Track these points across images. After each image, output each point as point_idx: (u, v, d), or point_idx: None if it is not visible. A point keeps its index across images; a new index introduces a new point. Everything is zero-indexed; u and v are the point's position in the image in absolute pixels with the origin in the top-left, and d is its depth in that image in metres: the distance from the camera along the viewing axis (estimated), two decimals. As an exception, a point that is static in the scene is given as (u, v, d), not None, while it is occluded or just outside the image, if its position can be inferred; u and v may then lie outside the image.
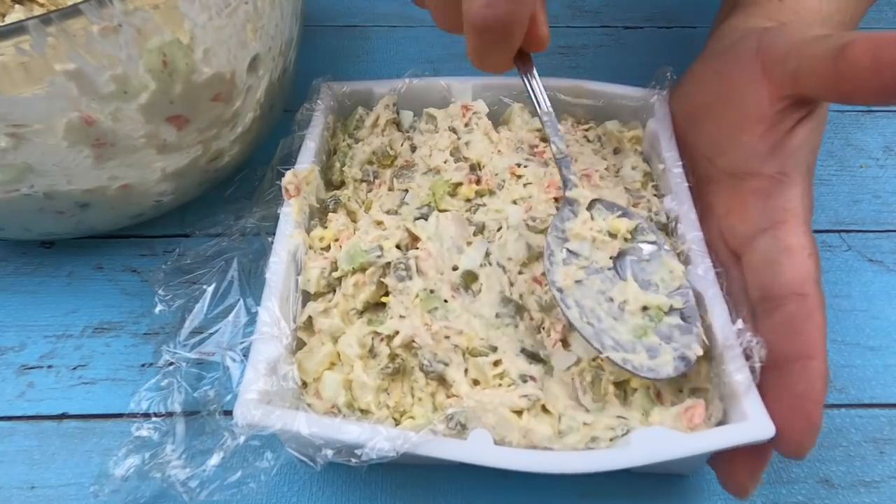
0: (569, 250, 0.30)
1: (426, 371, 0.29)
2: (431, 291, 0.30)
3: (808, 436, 0.25)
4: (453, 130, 0.38)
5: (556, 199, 0.34)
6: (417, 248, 0.32)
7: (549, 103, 0.32)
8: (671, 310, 0.28)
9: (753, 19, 0.35)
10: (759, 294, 0.29)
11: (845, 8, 0.35)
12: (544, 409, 0.28)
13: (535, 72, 0.32)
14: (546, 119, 0.31)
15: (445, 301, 0.30)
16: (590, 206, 0.31)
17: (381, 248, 0.32)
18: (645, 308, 0.28)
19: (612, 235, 0.30)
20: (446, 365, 0.29)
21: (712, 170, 0.33)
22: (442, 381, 0.29)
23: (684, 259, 0.32)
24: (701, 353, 0.27)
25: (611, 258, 0.30)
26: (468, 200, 0.35)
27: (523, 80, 0.31)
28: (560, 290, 0.29)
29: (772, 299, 0.28)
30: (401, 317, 0.30)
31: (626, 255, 0.30)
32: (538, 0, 0.29)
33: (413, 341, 0.29)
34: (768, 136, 0.30)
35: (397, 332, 0.29)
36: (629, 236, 0.30)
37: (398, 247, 0.32)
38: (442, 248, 0.32)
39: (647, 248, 0.30)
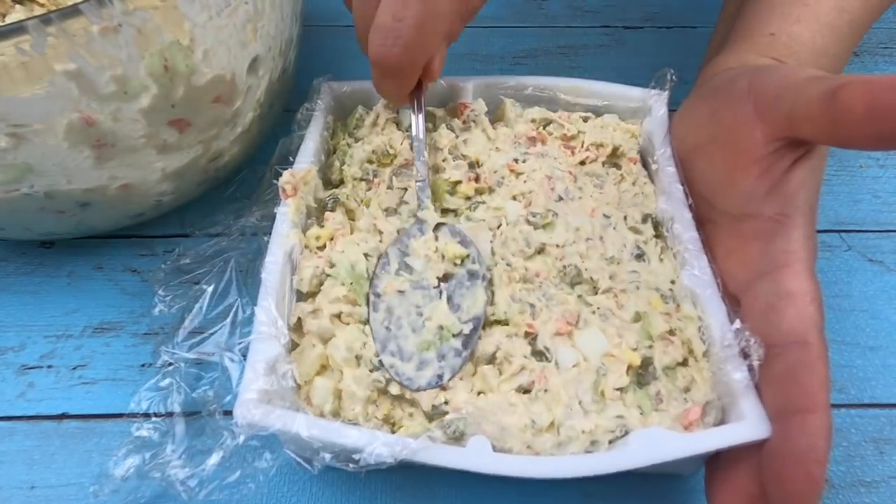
0: (406, 263, 0.32)
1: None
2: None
3: (810, 496, 0.24)
4: (451, 129, 0.38)
5: (582, 163, 0.37)
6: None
7: (423, 131, 0.35)
8: (459, 334, 0.30)
9: (745, 55, 0.34)
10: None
11: (840, 39, 0.34)
12: (545, 426, 0.28)
13: (422, 100, 0.35)
14: (416, 144, 0.35)
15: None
16: (437, 229, 0.33)
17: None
18: (441, 327, 0.30)
19: (444, 257, 0.32)
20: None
21: (712, 211, 0.32)
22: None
23: (680, 259, 0.32)
24: (446, 380, 0.29)
25: (437, 278, 0.32)
26: (468, 198, 0.35)
27: (411, 106, 0.35)
28: (377, 296, 0.31)
29: (771, 348, 0.27)
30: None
31: (452, 279, 0.32)
32: (440, 42, 0.32)
33: None
34: (765, 177, 0.29)
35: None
36: (458, 262, 0.32)
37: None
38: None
39: (468, 276, 0.32)
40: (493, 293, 0.32)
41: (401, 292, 0.31)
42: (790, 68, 0.31)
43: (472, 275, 0.32)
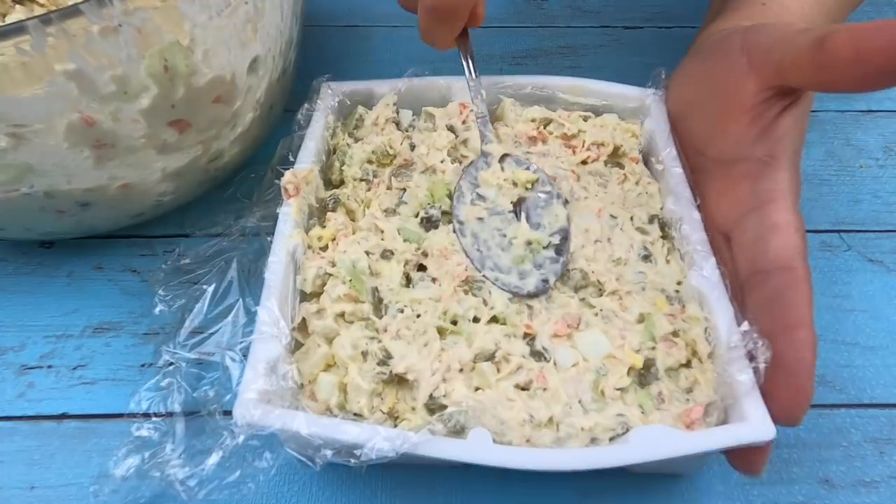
0: (478, 194, 0.35)
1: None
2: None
3: (801, 406, 0.26)
4: (451, 129, 0.38)
5: (583, 162, 0.38)
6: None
7: (477, 72, 0.37)
8: (549, 245, 0.33)
9: (737, 22, 0.36)
10: (748, 270, 0.29)
11: (827, 11, 0.36)
12: (545, 421, 0.28)
13: (469, 44, 0.37)
14: (472, 84, 0.37)
15: (454, 323, 0.31)
16: (502, 160, 0.36)
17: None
18: (529, 243, 0.33)
19: (515, 184, 0.35)
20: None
21: (702, 160, 0.34)
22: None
23: (689, 260, 0.32)
24: (552, 282, 0.32)
25: (512, 203, 0.35)
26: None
27: (460, 52, 0.37)
28: (461, 223, 0.34)
29: (759, 273, 0.29)
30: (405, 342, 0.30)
31: (526, 202, 0.35)
32: None
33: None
34: (755, 124, 0.31)
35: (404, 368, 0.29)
36: (530, 186, 0.35)
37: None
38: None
39: (543, 197, 0.35)
40: (490, 293, 0.32)
41: (480, 219, 0.34)
42: (782, 23, 0.33)
43: (546, 195, 0.35)
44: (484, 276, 0.32)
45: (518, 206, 0.35)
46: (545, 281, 0.32)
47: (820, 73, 0.28)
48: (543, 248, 0.33)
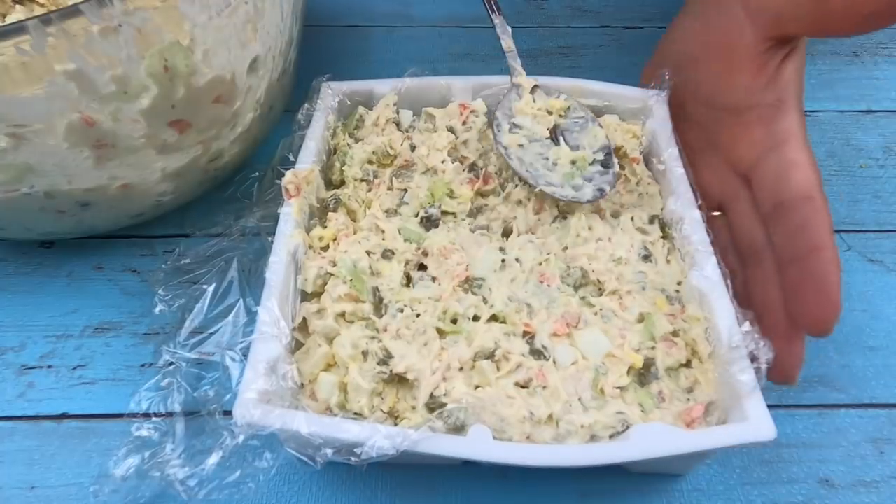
0: (514, 123, 0.37)
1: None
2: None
3: (831, 316, 0.28)
4: (451, 130, 0.38)
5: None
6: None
7: (499, 8, 0.39)
8: (594, 161, 0.35)
9: None
10: (772, 203, 0.32)
11: None
12: (544, 419, 0.28)
13: None
14: (497, 21, 0.39)
15: (454, 321, 0.31)
16: (533, 91, 0.38)
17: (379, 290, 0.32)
18: (573, 162, 0.35)
19: (550, 112, 0.37)
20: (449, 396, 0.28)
21: (713, 112, 0.36)
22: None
23: (689, 261, 0.32)
24: (608, 191, 0.34)
25: (548, 129, 0.37)
26: (471, 201, 0.35)
27: None
28: (506, 148, 0.36)
29: (784, 205, 0.31)
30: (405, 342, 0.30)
31: (562, 128, 0.37)
32: None
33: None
34: (762, 73, 0.34)
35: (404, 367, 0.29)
36: (563, 113, 0.37)
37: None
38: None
39: (578, 122, 0.37)
40: (490, 290, 0.32)
41: (521, 146, 0.36)
42: None
43: (581, 120, 0.37)
44: (541, 189, 0.34)
45: (554, 132, 0.36)
46: (601, 190, 0.34)
47: (823, 20, 0.31)
48: (589, 164, 0.35)
